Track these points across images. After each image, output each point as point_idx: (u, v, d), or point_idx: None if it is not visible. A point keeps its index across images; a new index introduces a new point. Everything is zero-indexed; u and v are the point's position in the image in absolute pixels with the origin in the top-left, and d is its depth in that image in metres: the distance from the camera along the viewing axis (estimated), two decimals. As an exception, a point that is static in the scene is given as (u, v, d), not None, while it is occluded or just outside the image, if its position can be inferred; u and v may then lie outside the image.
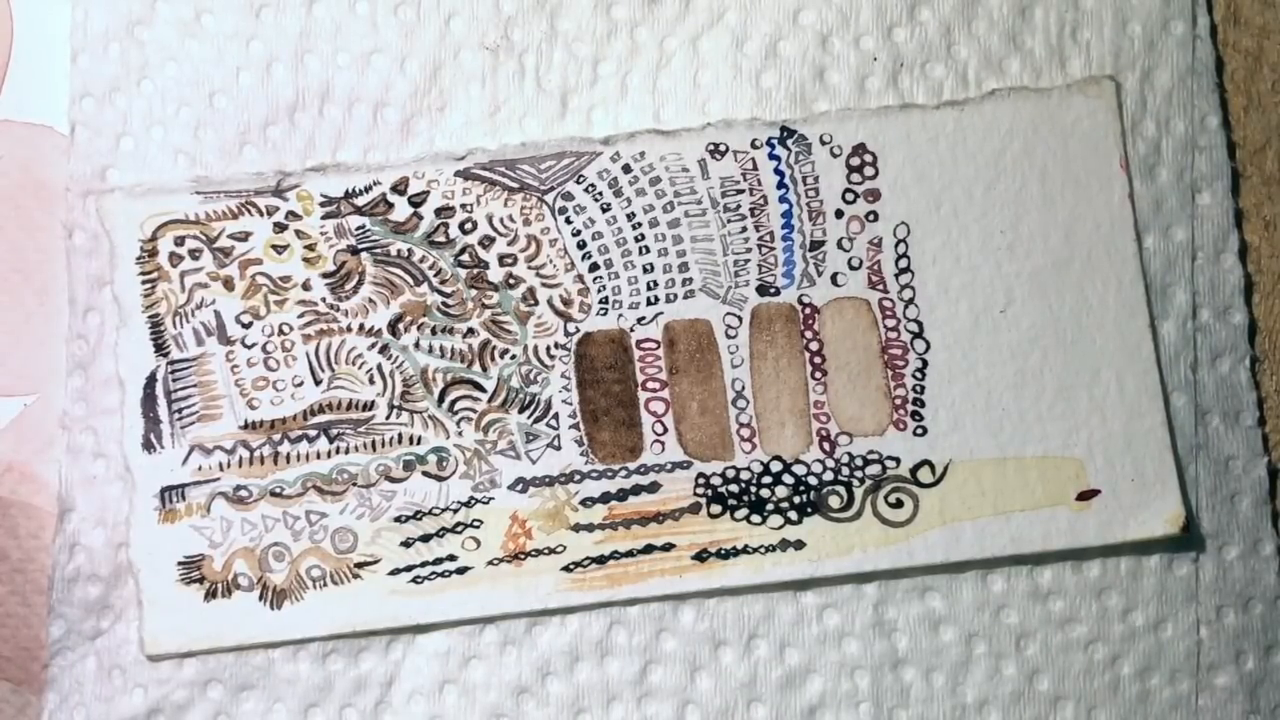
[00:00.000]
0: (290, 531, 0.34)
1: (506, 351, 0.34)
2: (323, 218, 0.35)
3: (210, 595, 0.34)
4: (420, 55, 0.35)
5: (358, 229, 0.34)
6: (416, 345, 0.34)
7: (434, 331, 0.34)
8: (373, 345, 0.34)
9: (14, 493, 0.35)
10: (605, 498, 0.34)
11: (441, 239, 0.35)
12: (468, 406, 0.34)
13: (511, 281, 0.34)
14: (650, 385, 0.34)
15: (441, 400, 0.34)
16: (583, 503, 0.34)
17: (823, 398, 0.34)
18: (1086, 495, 0.34)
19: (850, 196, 0.35)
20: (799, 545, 0.34)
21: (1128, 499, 0.34)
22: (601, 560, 0.34)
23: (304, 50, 0.35)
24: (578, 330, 0.34)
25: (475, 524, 0.34)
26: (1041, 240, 0.34)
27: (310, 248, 0.35)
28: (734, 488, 0.34)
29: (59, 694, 0.34)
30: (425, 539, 0.34)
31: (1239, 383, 0.35)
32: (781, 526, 0.34)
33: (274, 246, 0.35)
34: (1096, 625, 0.34)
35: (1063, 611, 0.34)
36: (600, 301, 0.34)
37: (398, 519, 0.34)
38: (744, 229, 0.35)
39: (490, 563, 0.34)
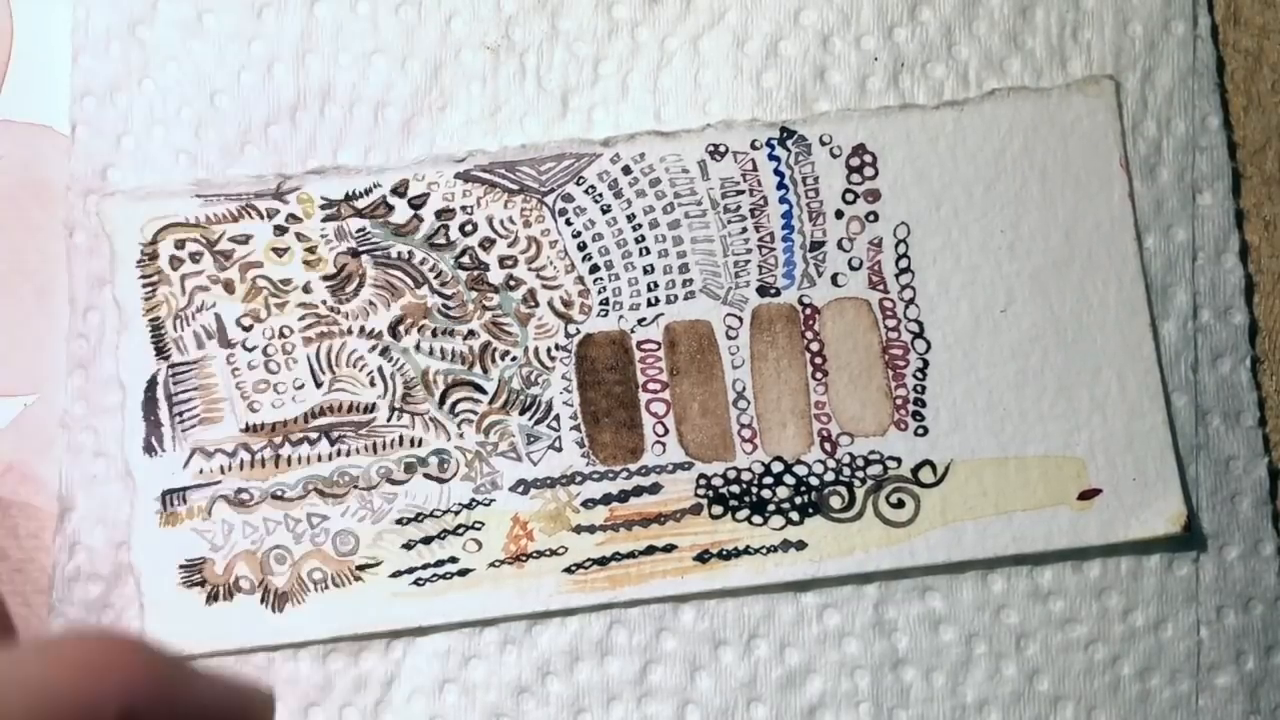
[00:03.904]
0: (292, 534, 0.34)
1: (507, 353, 0.34)
2: (323, 220, 0.34)
3: (212, 598, 0.34)
4: (421, 55, 0.35)
5: (358, 231, 0.34)
6: (417, 347, 0.34)
7: (435, 334, 0.34)
8: (373, 348, 0.34)
9: (14, 493, 0.35)
10: (606, 499, 0.34)
11: (442, 241, 0.34)
12: (468, 408, 0.34)
13: (512, 283, 0.34)
14: (651, 386, 0.34)
15: (442, 402, 0.34)
16: (584, 504, 0.34)
17: (824, 398, 0.34)
18: (1088, 495, 0.34)
19: (850, 197, 0.35)
20: (800, 546, 0.34)
21: (1129, 498, 0.34)
22: (603, 562, 0.34)
23: (305, 50, 0.35)
24: (578, 331, 0.34)
25: (476, 526, 0.34)
26: (1042, 240, 0.34)
27: (311, 250, 0.34)
28: (735, 488, 0.34)
29: (61, 695, 0.34)
30: (427, 541, 0.34)
31: (1240, 383, 0.35)
32: (783, 527, 0.34)
33: (274, 249, 0.34)
34: (1097, 625, 0.34)
35: (1063, 611, 0.34)
36: (601, 303, 0.34)
37: (399, 521, 0.34)
38: (744, 230, 0.35)
39: (492, 565, 0.34)
